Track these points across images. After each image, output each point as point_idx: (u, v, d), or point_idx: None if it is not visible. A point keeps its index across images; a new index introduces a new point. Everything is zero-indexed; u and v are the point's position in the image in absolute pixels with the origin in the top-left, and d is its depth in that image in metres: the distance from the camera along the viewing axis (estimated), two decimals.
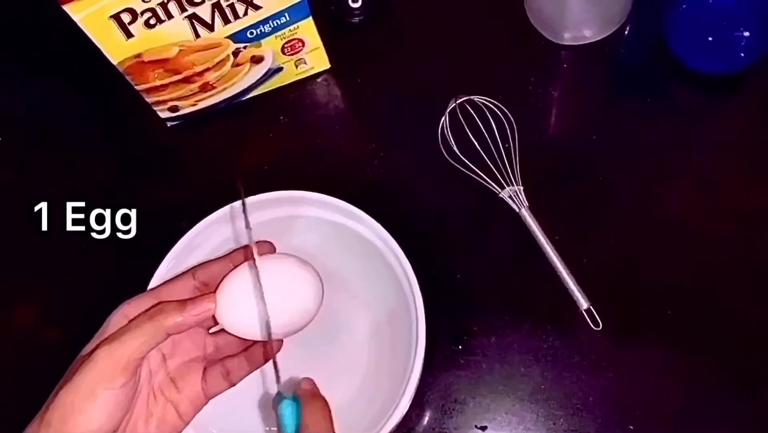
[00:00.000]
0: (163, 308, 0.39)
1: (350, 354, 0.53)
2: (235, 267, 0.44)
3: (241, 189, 0.43)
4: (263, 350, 0.46)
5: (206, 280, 0.44)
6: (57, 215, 0.58)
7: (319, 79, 0.63)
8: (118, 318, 0.39)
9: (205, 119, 0.61)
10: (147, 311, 0.39)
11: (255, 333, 0.43)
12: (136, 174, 0.62)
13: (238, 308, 0.42)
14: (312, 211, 0.52)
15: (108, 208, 0.58)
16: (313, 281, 0.45)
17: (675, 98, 0.60)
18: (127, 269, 0.49)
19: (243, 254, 0.45)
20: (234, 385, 0.45)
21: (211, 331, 0.45)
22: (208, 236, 0.51)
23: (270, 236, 0.50)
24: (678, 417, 0.50)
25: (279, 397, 0.37)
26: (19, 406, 0.37)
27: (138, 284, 0.47)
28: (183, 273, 0.44)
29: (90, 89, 0.65)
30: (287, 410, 0.36)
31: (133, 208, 0.58)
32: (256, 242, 0.43)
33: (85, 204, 0.59)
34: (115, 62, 0.52)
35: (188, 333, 0.42)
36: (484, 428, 0.51)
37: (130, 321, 0.39)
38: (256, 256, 0.41)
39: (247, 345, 0.46)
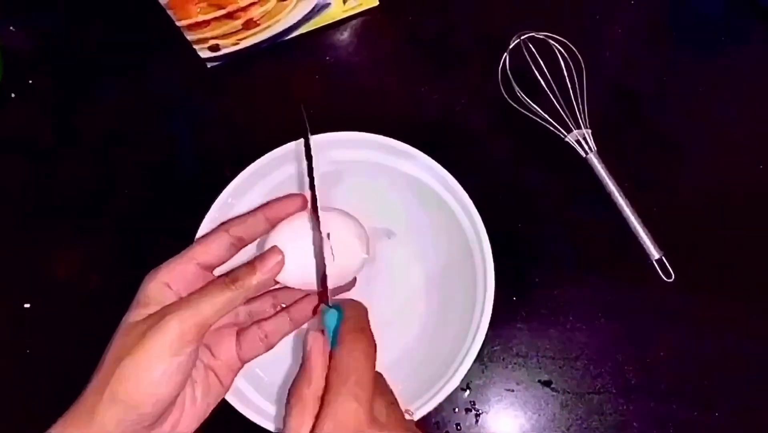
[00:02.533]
0: (237, 275, 0.37)
1: (407, 305, 0.50)
2: (282, 219, 0.42)
3: (305, 120, 0.41)
4: (309, 305, 0.44)
5: (241, 235, 0.41)
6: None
7: (366, 17, 0.59)
8: (157, 286, 0.37)
9: (247, 60, 0.58)
10: (221, 277, 0.38)
11: (311, 281, 0.41)
12: (175, 120, 0.59)
13: (295, 259, 0.40)
14: (367, 153, 0.49)
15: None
16: (361, 233, 0.44)
17: (751, 38, 0.56)
18: (169, 217, 0.47)
19: (276, 208, 0.43)
20: (272, 347, 0.43)
21: None
22: (254, 183, 0.48)
23: (320, 181, 0.48)
24: (755, 374, 0.48)
25: (324, 309, 0.37)
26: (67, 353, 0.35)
27: (181, 233, 0.45)
28: (215, 230, 0.41)
29: (127, 26, 0.61)
30: (330, 316, 0.36)
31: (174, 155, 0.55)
32: (286, 197, 0.43)
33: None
34: None
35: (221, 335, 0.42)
36: (548, 383, 0.48)
37: (199, 289, 0.37)
38: (309, 207, 0.40)
39: (281, 306, 0.44)
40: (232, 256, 0.41)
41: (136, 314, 0.36)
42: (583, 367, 0.48)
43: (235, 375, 0.42)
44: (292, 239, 0.41)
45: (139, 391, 0.34)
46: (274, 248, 0.40)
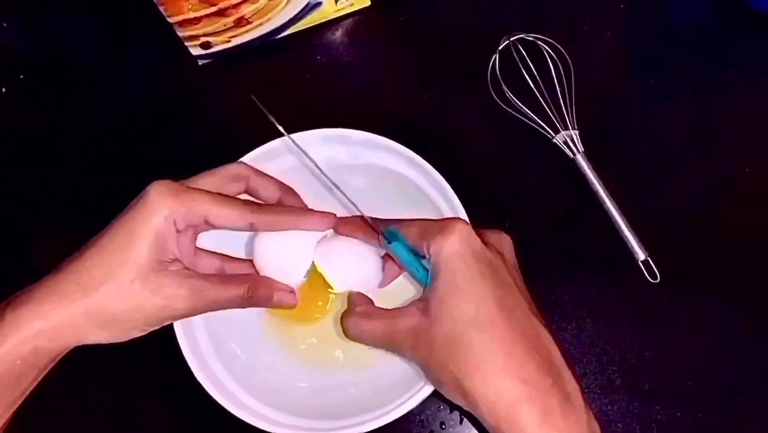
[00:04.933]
0: (257, 294, 0.39)
1: (394, 303, 0.50)
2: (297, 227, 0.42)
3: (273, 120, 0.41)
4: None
5: (259, 193, 0.42)
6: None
7: (358, 17, 0.59)
8: (166, 222, 0.36)
9: (238, 58, 0.58)
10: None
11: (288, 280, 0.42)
12: (165, 116, 0.59)
13: (279, 254, 0.42)
14: (357, 151, 0.49)
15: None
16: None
17: (740, 42, 0.56)
18: None
19: (303, 218, 0.42)
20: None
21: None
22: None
23: (313, 177, 0.48)
24: (736, 374, 0.48)
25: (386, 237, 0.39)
26: None
27: None
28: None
29: (118, 23, 0.61)
30: (398, 245, 0.38)
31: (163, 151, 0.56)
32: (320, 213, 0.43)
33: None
34: None
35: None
36: None
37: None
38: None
39: None
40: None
41: (124, 245, 0.35)
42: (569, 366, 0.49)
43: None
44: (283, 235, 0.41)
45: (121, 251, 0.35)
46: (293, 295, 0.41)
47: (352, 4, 0.58)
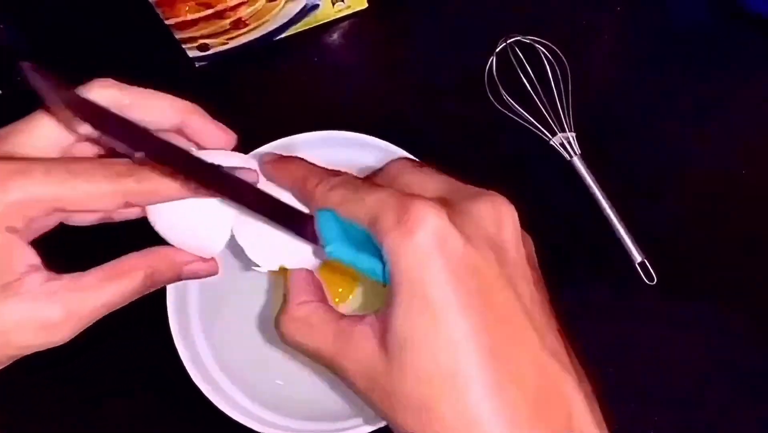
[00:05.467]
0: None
1: None
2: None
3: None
4: None
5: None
6: None
7: (355, 20, 0.59)
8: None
9: (235, 60, 0.58)
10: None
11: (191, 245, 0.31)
12: None
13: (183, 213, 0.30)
14: (353, 154, 0.49)
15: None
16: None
17: (737, 44, 0.56)
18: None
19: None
20: None
21: None
22: None
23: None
24: (734, 376, 0.48)
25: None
26: None
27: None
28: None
29: (115, 24, 0.61)
30: (337, 247, 0.27)
31: None
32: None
33: None
34: None
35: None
36: None
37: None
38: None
39: None
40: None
41: None
42: None
43: None
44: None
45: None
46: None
47: (349, 6, 0.58)
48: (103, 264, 0.27)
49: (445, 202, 0.25)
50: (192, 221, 0.29)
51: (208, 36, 0.55)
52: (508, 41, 0.52)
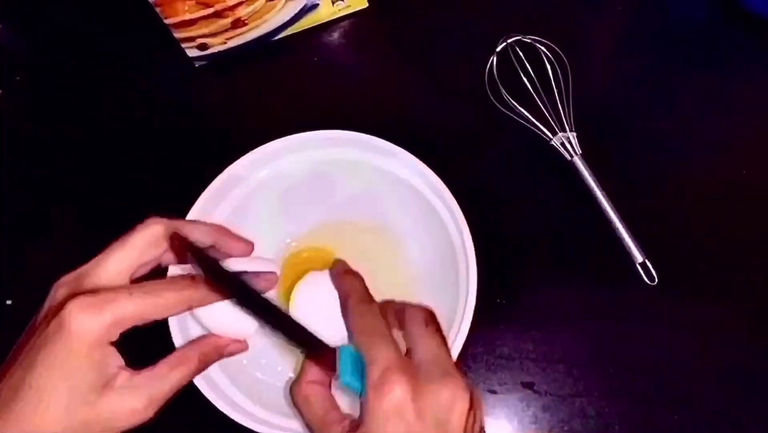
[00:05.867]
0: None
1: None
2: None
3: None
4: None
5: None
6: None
7: (355, 19, 0.59)
8: (93, 349, 0.32)
9: (235, 60, 0.58)
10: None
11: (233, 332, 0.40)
12: (161, 117, 0.58)
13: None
14: (354, 153, 0.49)
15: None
16: None
17: (737, 44, 0.56)
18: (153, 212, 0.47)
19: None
20: None
21: None
22: (236, 183, 0.48)
23: (310, 179, 0.48)
24: (734, 377, 0.48)
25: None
26: None
27: None
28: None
29: (115, 24, 0.61)
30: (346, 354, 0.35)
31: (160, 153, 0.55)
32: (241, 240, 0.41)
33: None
34: None
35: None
36: (530, 384, 0.48)
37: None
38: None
39: None
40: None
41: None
42: (566, 369, 0.48)
43: None
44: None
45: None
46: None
47: (348, 6, 0.58)
48: (167, 356, 0.36)
49: (416, 380, 0.32)
50: (229, 315, 0.37)
51: (208, 35, 0.55)
52: (508, 41, 0.52)
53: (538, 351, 0.49)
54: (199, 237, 0.38)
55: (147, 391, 0.33)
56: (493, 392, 0.48)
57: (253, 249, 0.41)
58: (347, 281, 0.39)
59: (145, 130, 0.57)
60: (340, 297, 0.39)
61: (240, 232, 0.42)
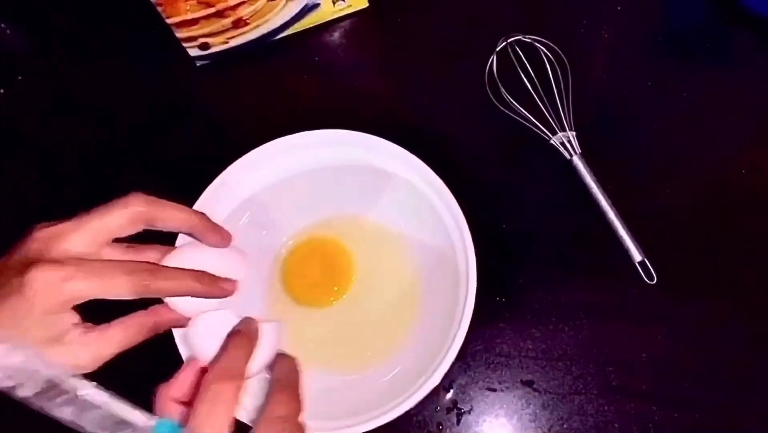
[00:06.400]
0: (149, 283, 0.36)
1: (394, 304, 0.50)
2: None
3: None
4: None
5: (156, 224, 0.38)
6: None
7: (356, 19, 0.59)
8: (46, 243, 0.35)
9: (236, 59, 0.58)
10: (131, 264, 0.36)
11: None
12: (163, 116, 0.59)
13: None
14: (354, 153, 0.49)
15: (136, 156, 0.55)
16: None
17: (736, 44, 0.56)
18: None
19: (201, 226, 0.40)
20: None
21: None
22: (237, 182, 0.48)
23: (310, 178, 0.48)
24: (733, 375, 0.48)
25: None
26: None
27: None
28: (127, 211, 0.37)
29: (117, 24, 0.61)
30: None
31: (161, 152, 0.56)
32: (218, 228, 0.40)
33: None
34: None
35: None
36: (530, 383, 0.49)
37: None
38: None
39: None
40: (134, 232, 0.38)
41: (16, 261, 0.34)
42: (565, 367, 0.49)
43: None
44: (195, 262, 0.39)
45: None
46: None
47: (349, 6, 0.58)
48: (123, 318, 0.36)
49: None
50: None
51: (209, 35, 0.55)
52: (508, 41, 0.52)
53: (538, 349, 0.49)
54: (177, 225, 0.38)
55: (95, 349, 0.35)
56: (493, 390, 0.49)
57: (230, 241, 0.41)
58: (233, 349, 0.36)
59: (147, 129, 0.58)
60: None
61: (240, 231, 0.42)
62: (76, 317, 0.35)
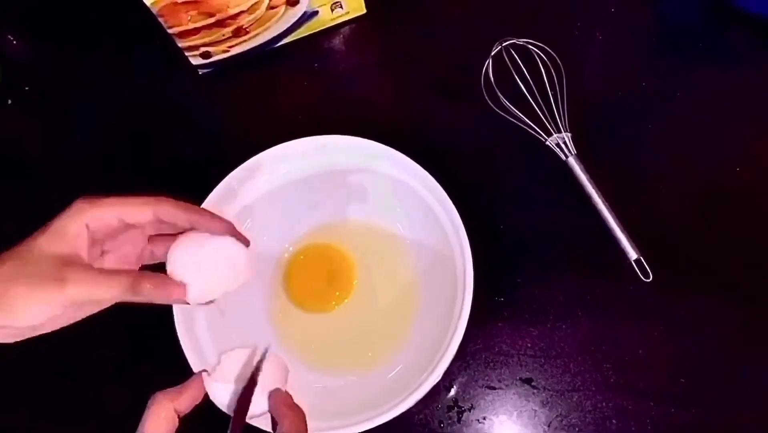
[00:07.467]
0: (142, 287, 0.38)
1: (392, 305, 0.51)
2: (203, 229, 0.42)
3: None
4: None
5: (164, 217, 0.40)
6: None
7: (354, 26, 0.60)
8: (77, 223, 0.39)
9: (237, 67, 0.59)
10: (128, 273, 0.38)
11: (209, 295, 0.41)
12: (166, 124, 0.60)
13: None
14: (353, 157, 0.50)
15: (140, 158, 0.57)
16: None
17: (730, 44, 0.57)
18: None
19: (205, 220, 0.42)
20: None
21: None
22: (239, 189, 0.49)
23: (311, 183, 0.49)
24: (729, 371, 0.49)
25: None
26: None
27: None
28: (148, 200, 0.40)
29: (120, 34, 0.63)
30: None
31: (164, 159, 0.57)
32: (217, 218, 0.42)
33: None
34: (148, 3, 0.50)
35: (129, 238, 0.42)
36: (529, 380, 0.49)
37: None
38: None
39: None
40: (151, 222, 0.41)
41: (45, 241, 0.39)
42: (564, 365, 0.49)
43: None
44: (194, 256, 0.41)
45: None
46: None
47: (347, 13, 0.59)
48: (137, 275, 0.38)
49: None
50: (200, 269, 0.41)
51: (210, 44, 0.56)
52: (503, 44, 0.53)
53: (536, 347, 0.50)
54: (180, 223, 0.41)
55: (85, 276, 0.37)
56: (492, 388, 0.49)
57: (230, 228, 0.42)
58: (289, 418, 0.38)
59: (150, 137, 0.59)
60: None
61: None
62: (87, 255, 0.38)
